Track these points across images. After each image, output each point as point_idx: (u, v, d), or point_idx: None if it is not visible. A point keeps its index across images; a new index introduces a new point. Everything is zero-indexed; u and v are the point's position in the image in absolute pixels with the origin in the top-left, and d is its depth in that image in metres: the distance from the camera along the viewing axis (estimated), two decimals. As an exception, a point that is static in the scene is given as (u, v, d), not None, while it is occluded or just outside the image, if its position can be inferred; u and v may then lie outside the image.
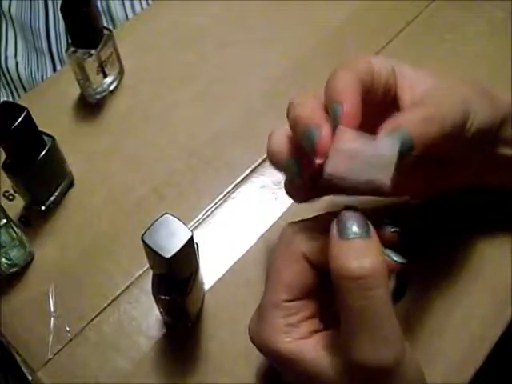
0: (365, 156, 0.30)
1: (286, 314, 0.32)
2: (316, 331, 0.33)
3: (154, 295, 0.37)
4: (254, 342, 0.34)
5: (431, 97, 0.35)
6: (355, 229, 0.30)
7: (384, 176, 0.30)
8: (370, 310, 0.29)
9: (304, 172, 0.34)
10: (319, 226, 0.33)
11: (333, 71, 0.34)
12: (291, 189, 0.38)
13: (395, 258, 0.32)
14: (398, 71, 0.36)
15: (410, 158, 0.32)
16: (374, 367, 0.29)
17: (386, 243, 0.32)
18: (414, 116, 0.33)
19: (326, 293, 0.34)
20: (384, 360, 0.29)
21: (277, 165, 0.37)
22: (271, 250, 0.35)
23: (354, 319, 0.29)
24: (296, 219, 0.35)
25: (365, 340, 0.29)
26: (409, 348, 0.31)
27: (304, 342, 0.32)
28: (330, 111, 0.32)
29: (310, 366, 0.32)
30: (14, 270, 0.43)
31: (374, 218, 0.32)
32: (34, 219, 0.46)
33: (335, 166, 0.30)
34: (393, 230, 0.33)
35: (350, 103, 0.32)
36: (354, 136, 0.31)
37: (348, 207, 0.31)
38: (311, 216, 0.35)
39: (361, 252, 0.29)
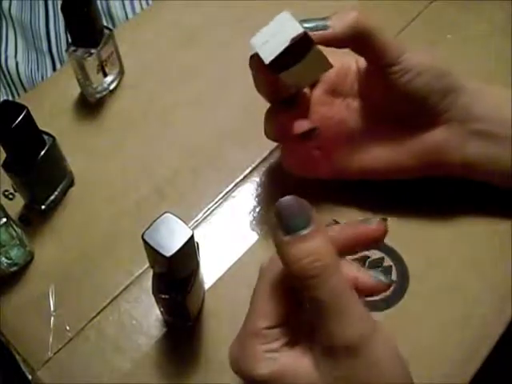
0: (272, 33, 0.38)
1: (266, 341, 0.32)
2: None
3: (155, 294, 0.37)
4: (235, 371, 0.34)
5: None
6: (294, 220, 0.29)
7: (295, 29, 0.38)
8: (329, 299, 0.29)
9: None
10: None
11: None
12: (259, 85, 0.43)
13: (383, 280, 0.33)
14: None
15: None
16: (340, 345, 0.30)
17: (376, 237, 0.32)
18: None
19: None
20: (349, 337, 0.30)
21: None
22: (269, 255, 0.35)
23: (316, 309, 0.30)
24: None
25: (330, 325, 0.30)
26: (382, 328, 0.31)
27: (284, 362, 0.32)
28: None
29: (292, 376, 0.31)
30: (14, 269, 0.43)
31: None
32: (34, 218, 0.46)
33: (265, 55, 0.37)
34: (382, 217, 0.33)
35: None
36: None
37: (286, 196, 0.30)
38: None
39: (305, 251, 0.29)
